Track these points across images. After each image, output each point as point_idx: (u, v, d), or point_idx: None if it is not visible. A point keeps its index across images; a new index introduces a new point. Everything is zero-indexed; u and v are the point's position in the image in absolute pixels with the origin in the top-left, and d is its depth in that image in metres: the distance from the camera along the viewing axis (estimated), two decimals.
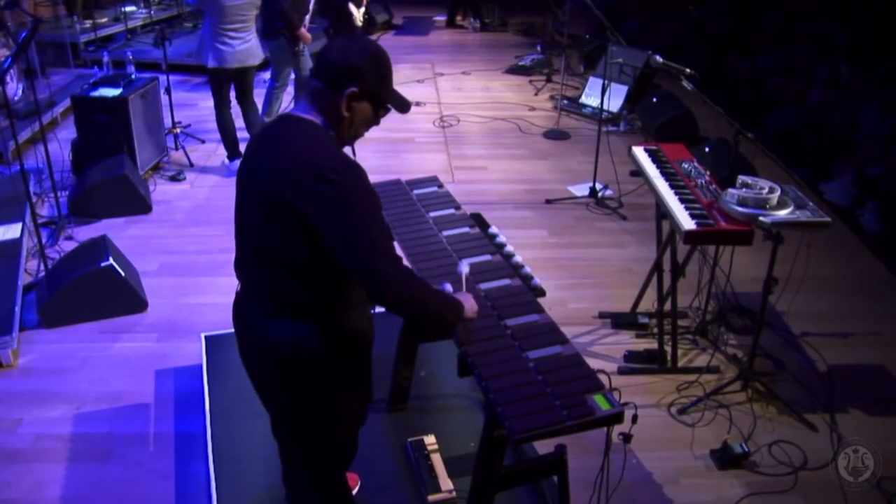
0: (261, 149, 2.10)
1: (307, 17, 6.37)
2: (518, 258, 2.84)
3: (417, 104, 7.81)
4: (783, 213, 3.19)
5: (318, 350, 2.09)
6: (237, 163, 6.42)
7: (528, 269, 2.75)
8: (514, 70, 9.13)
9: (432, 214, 3.18)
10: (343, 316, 2.13)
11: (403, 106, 2.14)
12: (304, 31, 6.20)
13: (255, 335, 2.16)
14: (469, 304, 2.27)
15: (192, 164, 6.15)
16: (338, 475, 2.41)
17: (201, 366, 3.63)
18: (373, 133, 2.20)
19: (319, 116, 2.05)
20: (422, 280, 2.13)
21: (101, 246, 4.20)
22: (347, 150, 2.11)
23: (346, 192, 1.92)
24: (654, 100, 6.90)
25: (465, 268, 2.49)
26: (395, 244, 2.88)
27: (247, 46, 5.61)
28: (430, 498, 2.85)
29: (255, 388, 2.29)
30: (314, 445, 2.28)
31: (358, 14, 7.89)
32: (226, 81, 5.78)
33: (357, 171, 1.97)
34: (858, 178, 5.62)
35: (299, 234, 1.96)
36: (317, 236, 1.94)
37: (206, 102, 7.71)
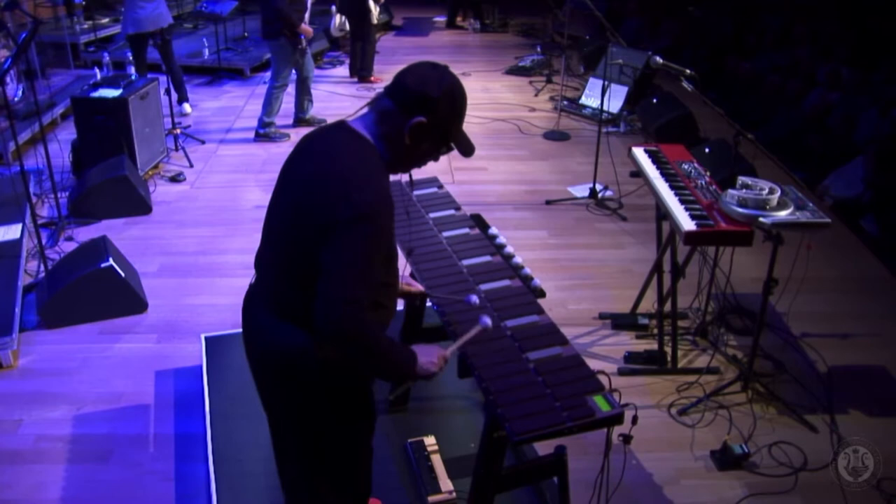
0: (307, 152, 2.02)
1: (307, 16, 6.38)
2: (518, 259, 2.84)
3: None
4: (783, 214, 3.19)
5: (310, 365, 2.02)
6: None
7: (528, 270, 2.75)
8: (514, 71, 9.12)
9: (432, 215, 3.18)
10: None
11: (468, 150, 2.05)
12: (304, 25, 6.21)
13: (258, 332, 2.13)
14: (425, 358, 2.10)
15: (191, 165, 6.15)
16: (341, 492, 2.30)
17: (201, 367, 3.62)
18: None
19: (378, 137, 1.96)
20: (379, 337, 1.97)
21: (101, 247, 4.20)
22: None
23: (359, 223, 1.84)
24: (654, 101, 6.90)
25: (486, 321, 2.29)
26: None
27: (159, 12, 6.55)
28: (430, 499, 2.85)
29: (255, 383, 2.24)
30: (308, 451, 2.22)
31: (375, 12, 7.89)
32: (144, 44, 6.73)
33: (382, 209, 1.88)
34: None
35: (316, 250, 1.89)
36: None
37: (207, 103, 7.76)
